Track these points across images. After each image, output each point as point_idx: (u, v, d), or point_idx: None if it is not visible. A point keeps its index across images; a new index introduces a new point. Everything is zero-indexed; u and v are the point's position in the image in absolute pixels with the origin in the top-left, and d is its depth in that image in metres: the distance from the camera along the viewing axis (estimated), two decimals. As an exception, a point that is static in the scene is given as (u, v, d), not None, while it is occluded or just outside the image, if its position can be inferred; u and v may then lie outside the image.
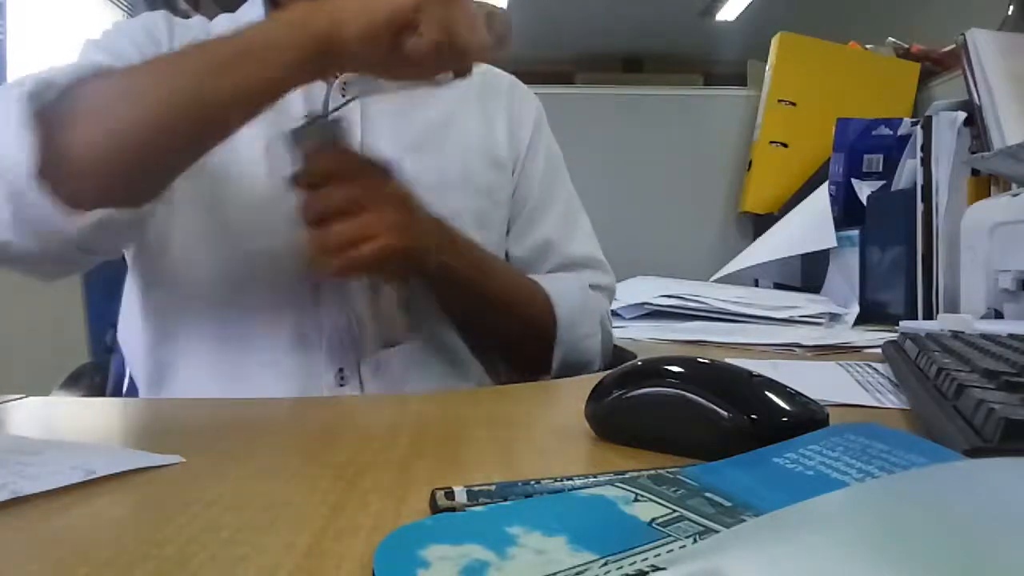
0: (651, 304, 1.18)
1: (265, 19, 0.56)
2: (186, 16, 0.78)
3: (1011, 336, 0.59)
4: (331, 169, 0.60)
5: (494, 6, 0.57)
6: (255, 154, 0.69)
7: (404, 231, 0.60)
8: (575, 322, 0.73)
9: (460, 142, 0.77)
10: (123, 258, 0.75)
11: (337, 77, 0.72)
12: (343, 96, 0.72)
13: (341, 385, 0.67)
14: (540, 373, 0.73)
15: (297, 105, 0.71)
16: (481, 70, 0.84)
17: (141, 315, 0.71)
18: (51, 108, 0.54)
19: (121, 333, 0.76)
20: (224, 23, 0.76)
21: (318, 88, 0.72)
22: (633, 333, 1.00)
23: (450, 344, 0.73)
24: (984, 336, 0.60)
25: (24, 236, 0.54)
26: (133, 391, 0.75)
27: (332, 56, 0.53)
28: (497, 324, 0.70)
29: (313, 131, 0.61)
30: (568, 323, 0.73)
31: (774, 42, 1.68)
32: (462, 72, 0.56)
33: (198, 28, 0.75)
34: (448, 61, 0.54)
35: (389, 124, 0.74)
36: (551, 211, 0.82)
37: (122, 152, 0.54)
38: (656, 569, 0.20)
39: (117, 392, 0.88)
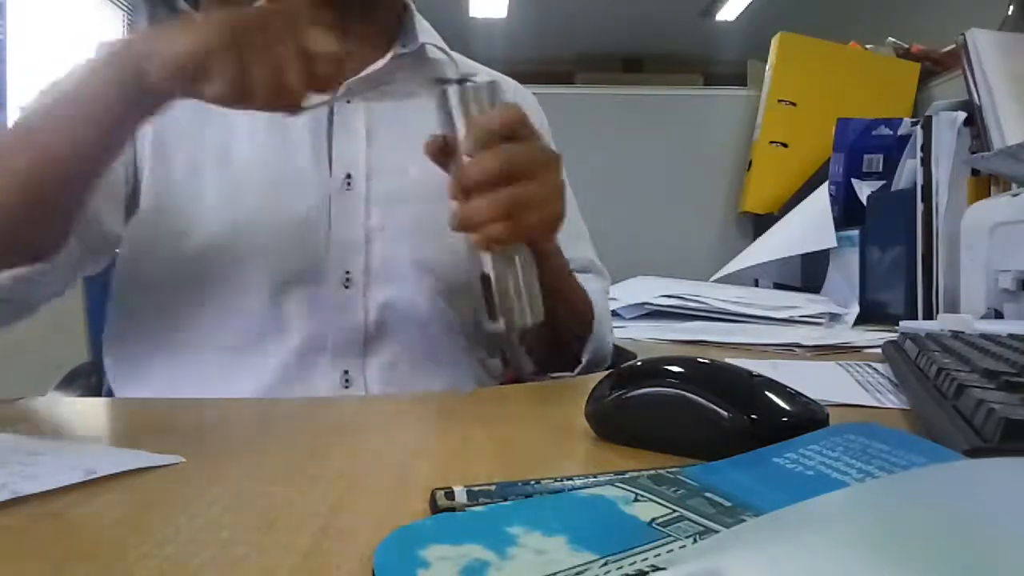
0: (651, 304, 1.18)
1: (86, 64, 0.54)
2: (186, 16, 0.78)
3: (1011, 336, 0.59)
4: (506, 128, 0.54)
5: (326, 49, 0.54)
6: (255, 152, 0.69)
7: (562, 200, 0.57)
8: (604, 319, 0.74)
9: None
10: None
11: (341, 83, 0.71)
12: (348, 102, 0.72)
13: (346, 387, 0.67)
14: (568, 368, 0.73)
15: (300, 116, 0.71)
16: (485, 76, 0.84)
17: (142, 312, 0.70)
18: None
19: (110, 340, 0.75)
20: None
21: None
22: (633, 333, 1.01)
23: (453, 347, 0.73)
24: (984, 336, 0.60)
25: None
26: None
27: (152, 95, 0.53)
28: (559, 312, 0.68)
29: (475, 92, 0.55)
30: (600, 318, 0.73)
31: (774, 42, 1.68)
32: (290, 109, 0.53)
33: None
34: (267, 97, 0.51)
35: (394, 131, 0.74)
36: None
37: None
38: (656, 569, 0.20)
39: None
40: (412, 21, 0.78)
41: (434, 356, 0.71)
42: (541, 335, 0.71)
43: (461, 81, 0.60)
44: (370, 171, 0.71)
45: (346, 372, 0.68)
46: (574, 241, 0.81)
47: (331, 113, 0.71)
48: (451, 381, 0.72)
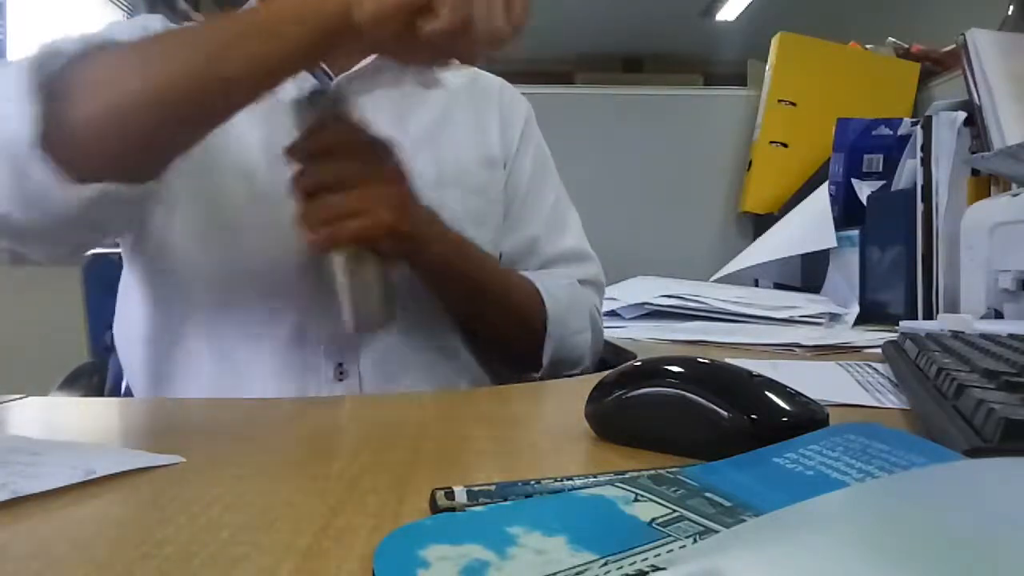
0: (651, 304, 1.18)
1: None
2: (186, 16, 0.78)
3: (1011, 336, 0.59)
4: (332, 141, 0.59)
5: None
6: (253, 151, 0.69)
7: (400, 212, 0.60)
8: (565, 318, 0.74)
9: (455, 142, 0.77)
10: (119, 257, 0.75)
11: (333, 79, 0.72)
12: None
13: (340, 380, 0.67)
14: (531, 370, 0.74)
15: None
16: (471, 74, 0.85)
17: (140, 309, 0.71)
18: (56, 79, 0.53)
19: (117, 330, 0.76)
20: None
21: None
22: (633, 333, 1.01)
23: (448, 340, 0.73)
24: (984, 336, 0.60)
25: (24, 208, 0.54)
26: (132, 391, 0.75)
27: (345, 35, 0.52)
28: (489, 319, 0.71)
29: (316, 102, 0.61)
30: (558, 319, 0.73)
31: (774, 42, 1.68)
32: (469, 59, 0.56)
33: None
34: (460, 47, 0.53)
35: (385, 124, 0.74)
36: (539, 207, 0.82)
37: (125, 126, 0.53)
38: (656, 569, 0.20)
39: (116, 392, 0.88)
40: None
41: (427, 347, 0.72)
42: (478, 343, 0.73)
43: (314, 93, 0.62)
44: None
45: (340, 365, 0.68)
46: (556, 234, 0.81)
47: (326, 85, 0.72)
48: (446, 374, 0.72)
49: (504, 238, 0.81)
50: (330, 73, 0.72)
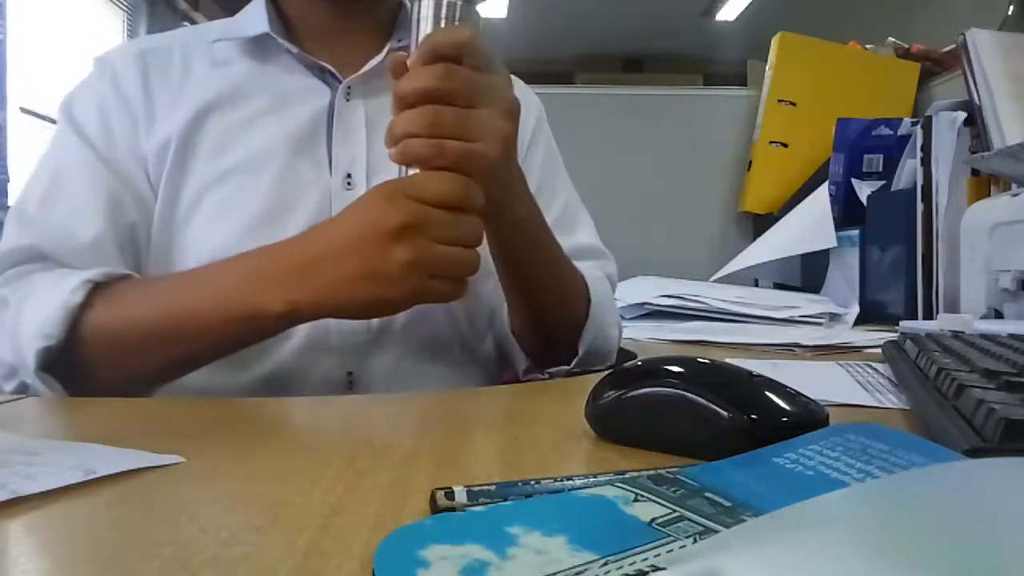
0: (651, 304, 1.18)
1: (241, 273, 0.56)
2: (185, 16, 0.78)
3: (1011, 336, 0.59)
4: (464, 44, 0.52)
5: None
6: (275, 161, 0.69)
7: (508, 151, 0.55)
8: (603, 309, 0.72)
9: None
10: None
11: (341, 82, 0.72)
12: (348, 100, 0.72)
13: (350, 389, 0.67)
14: (565, 360, 0.72)
15: (299, 107, 0.71)
16: None
17: None
18: (65, 360, 0.58)
19: None
20: (219, 28, 0.75)
21: (320, 92, 0.72)
22: (633, 333, 1.00)
23: (456, 348, 0.73)
24: (984, 336, 0.60)
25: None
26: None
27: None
28: (541, 295, 0.68)
29: (436, 7, 0.53)
30: (599, 309, 0.71)
31: (774, 42, 1.68)
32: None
33: (178, 48, 0.73)
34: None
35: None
36: (552, 204, 0.80)
37: (146, 384, 0.61)
38: (656, 569, 0.20)
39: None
40: (407, 15, 0.78)
41: (437, 357, 0.71)
42: (527, 320, 0.71)
43: None
44: (370, 171, 0.71)
45: (350, 374, 0.67)
46: (569, 231, 0.80)
47: (331, 112, 0.71)
48: (456, 384, 0.72)
49: None
50: (338, 75, 0.72)
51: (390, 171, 0.72)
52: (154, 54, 0.73)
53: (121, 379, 0.59)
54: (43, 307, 0.58)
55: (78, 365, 0.58)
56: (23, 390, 0.59)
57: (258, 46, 0.72)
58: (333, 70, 0.72)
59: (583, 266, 0.76)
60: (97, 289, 0.59)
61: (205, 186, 0.68)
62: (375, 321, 0.68)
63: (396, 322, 0.69)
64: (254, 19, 0.73)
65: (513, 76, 0.87)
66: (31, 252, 0.64)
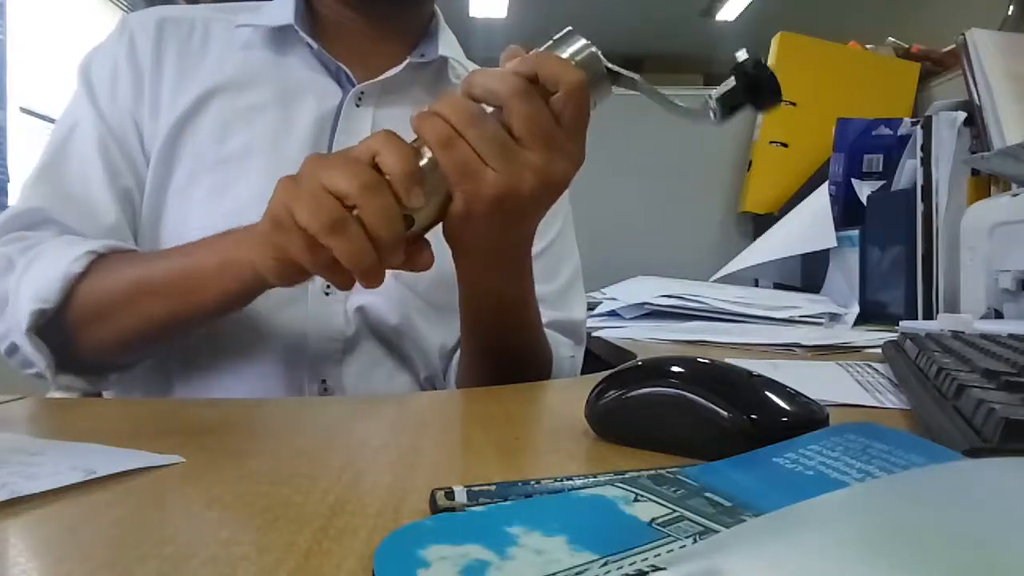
0: (651, 304, 1.18)
1: (232, 236, 0.55)
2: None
3: (1011, 336, 0.59)
4: (563, 84, 0.46)
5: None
6: (272, 154, 0.68)
7: (517, 207, 0.48)
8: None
9: None
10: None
11: (354, 85, 0.71)
12: (358, 105, 0.71)
13: (324, 395, 0.67)
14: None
15: (306, 103, 0.70)
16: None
17: None
18: (57, 321, 0.61)
19: None
20: (246, 12, 0.74)
21: (331, 92, 0.71)
22: (633, 333, 1.01)
23: (432, 356, 0.72)
24: (984, 336, 0.60)
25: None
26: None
27: (264, 284, 0.54)
28: (498, 358, 0.64)
29: (579, 42, 0.48)
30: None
31: (774, 42, 1.68)
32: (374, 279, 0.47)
33: (200, 23, 0.73)
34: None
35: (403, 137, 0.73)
36: (559, 274, 0.79)
37: (128, 349, 0.63)
38: (656, 569, 0.20)
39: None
40: (437, 30, 0.77)
41: (411, 365, 0.71)
42: (472, 375, 0.67)
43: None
44: None
45: (324, 381, 0.67)
46: (566, 305, 0.78)
47: (337, 115, 0.71)
48: (427, 391, 0.72)
49: None
50: (353, 79, 0.71)
51: None
52: (175, 24, 0.73)
53: (102, 339, 0.61)
54: (45, 272, 0.60)
55: (65, 328, 0.60)
56: (12, 352, 0.62)
57: (280, 36, 0.72)
58: (348, 72, 0.71)
59: (563, 342, 0.75)
60: (99, 260, 0.61)
61: (202, 167, 0.68)
62: (349, 330, 0.67)
63: (369, 328, 0.68)
64: (281, 9, 0.73)
65: None
66: (39, 215, 0.66)
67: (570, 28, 0.50)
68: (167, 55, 0.71)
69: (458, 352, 0.70)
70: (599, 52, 0.49)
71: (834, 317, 1.14)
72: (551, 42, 0.50)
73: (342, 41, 0.73)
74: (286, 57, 0.72)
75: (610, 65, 0.49)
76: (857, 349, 0.81)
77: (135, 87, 0.70)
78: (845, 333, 0.97)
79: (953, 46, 1.42)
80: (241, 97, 0.70)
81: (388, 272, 0.72)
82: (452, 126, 0.45)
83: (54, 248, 0.62)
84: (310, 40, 0.71)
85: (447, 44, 0.76)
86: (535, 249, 0.69)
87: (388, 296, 0.69)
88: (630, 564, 0.21)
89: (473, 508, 0.26)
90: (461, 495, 0.27)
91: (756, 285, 1.51)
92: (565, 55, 0.48)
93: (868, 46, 1.70)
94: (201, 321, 0.60)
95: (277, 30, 0.72)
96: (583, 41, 0.49)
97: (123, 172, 0.69)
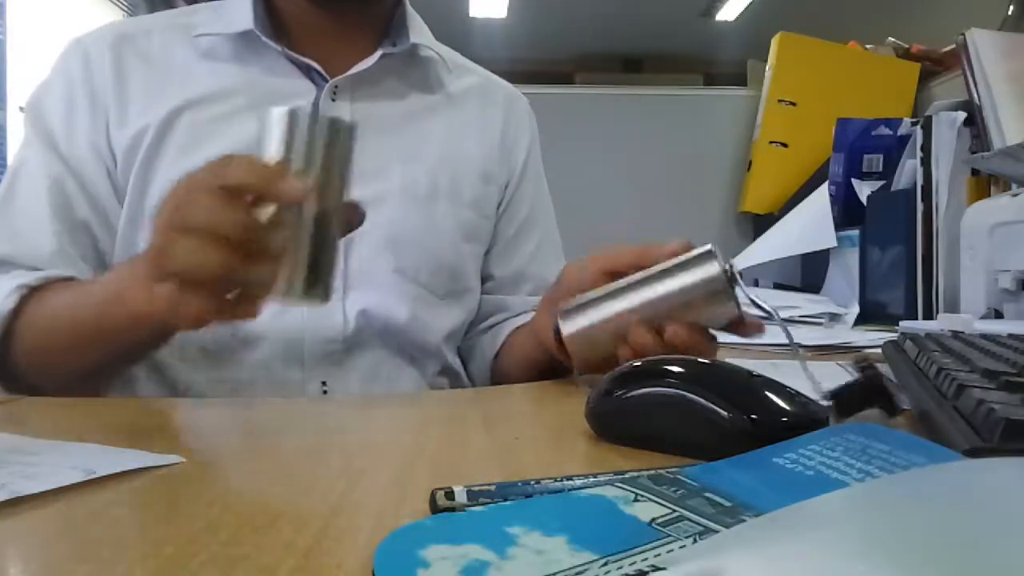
0: (651, 304, 1.18)
1: (120, 276, 0.53)
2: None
3: (1011, 336, 0.59)
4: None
5: None
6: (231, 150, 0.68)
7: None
8: None
9: (452, 155, 0.75)
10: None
11: (327, 81, 0.70)
12: (333, 100, 0.71)
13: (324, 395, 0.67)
14: None
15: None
16: (481, 79, 0.83)
17: None
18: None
19: None
20: (203, 19, 0.72)
21: (305, 91, 0.70)
22: (633, 333, 1.00)
23: (432, 359, 0.72)
24: (984, 336, 0.60)
25: None
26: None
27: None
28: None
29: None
30: None
31: (774, 42, 1.68)
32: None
33: (158, 33, 0.72)
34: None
35: (382, 133, 0.72)
36: (534, 236, 0.82)
37: (83, 382, 0.60)
38: (656, 569, 0.20)
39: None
40: (404, 18, 0.76)
41: (408, 367, 0.71)
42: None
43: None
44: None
45: (323, 383, 0.66)
46: (544, 264, 0.81)
47: (315, 110, 0.70)
48: (440, 382, 0.72)
49: (500, 262, 0.80)
50: (325, 75, 0.71)
51: (372, 175, 0.70)
52: (132, 40, 0.71)
53: (54, 381, 0.60)
54: None
55: (13, 367, 0.60)
56: None
57: (243, 42, 0.70)
58: (320, 69, 0.70)
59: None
60: (33, 294, 0.61)
61: (174, 182, 0.67)
62: (349, 331, 0.67)
63: (372, 329, 0.68)
64: (239, 13, 0.70)
65: (509, 86, 0.86)
66: None
67: (711, 248, 0.55)
68: (130, 75, 0.69)
69: (478, 330, 0.73)
70: (727, 273, 0.54)
71: (834, 317, 1.14)
72: (688, 257, 0.55)
73: (308, 38, 0.72)
74: (253, 62, 0.70)
75: (741, 290, 0.56)
76: (857, 349, 0.81)
77: (96, 114, 0.68)
78: (845, 333, 0.97)
79: (953, 46, 1.42)
80: (212, 109, 0.68)
81: (388, 268, 0.72)
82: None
83: None
84: (273, 44, 0.69)
85: (417, 31, 0.75)
86: (513, 228, 0.80)
87: (390, 292, 0.69)
88: (630, 564, 0.21)
89: (473, 508, 0.26)
90: (461, 495, 0.27)
91: (756, 285, 1.51)
92: (695, 277, 0.54)
93: (868, 46, 1.70)
94: (134, 360, 0.61)
95: (239, 36, 0.70)
96: (717, 266, 0.54)
97: (78, 204, 0.67)
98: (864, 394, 0.42)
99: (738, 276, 0.54)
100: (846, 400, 0.42)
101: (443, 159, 0.74)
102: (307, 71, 0.71)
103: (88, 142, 0.68)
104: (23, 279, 0.61)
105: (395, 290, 0.69)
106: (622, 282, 0.56)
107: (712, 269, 0.54)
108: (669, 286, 0.54)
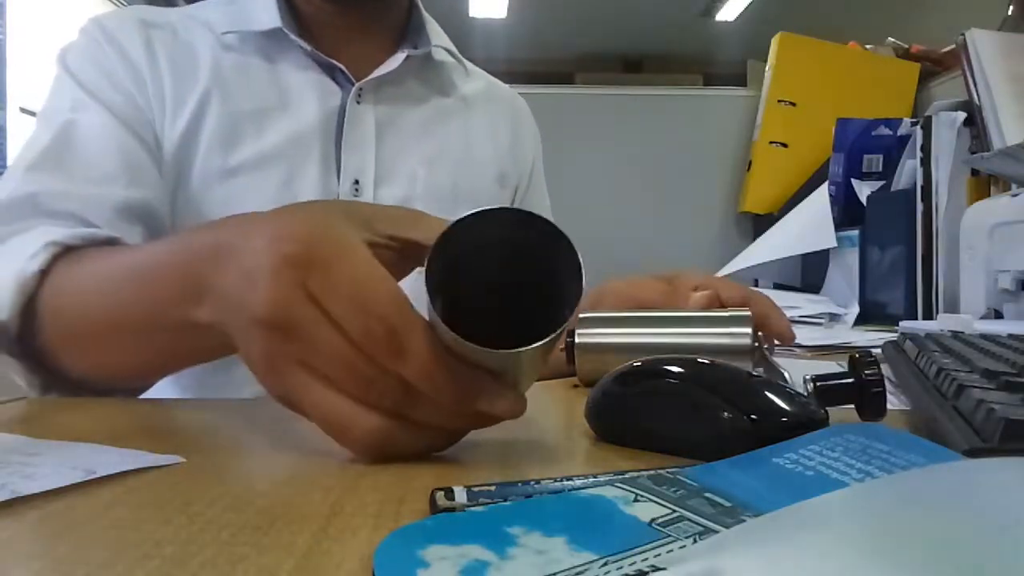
0: (651, 304, 1.18)
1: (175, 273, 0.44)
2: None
3: (1011, 336, 0.59)
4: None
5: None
6: (283, 162, 0.68)
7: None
8: None
9: (469, 158, 0.77)
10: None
11: (353, 83, 0.71)
12: (358, 103, 0.71)
13: None
14: None
15: (310, 107, 0.70)
16: (486, 83, 0.84)
17: None
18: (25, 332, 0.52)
19: None
20: (224, 17, 0.72)
21: (331, 92, 0.71)
22: (633, 333, 1.00)
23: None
24: (984, 336, 0.60)
25: None
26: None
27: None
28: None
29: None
30: None
31: (774, 42, 1.68)
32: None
33: (180, 28, 0.72)
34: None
35: (403, 135, 0.73)
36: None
37: (118, 380, 0.54)
38: (656, 569, 0.20)
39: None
40: (421, 21, 0.77)
41: None
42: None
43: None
44: (378, 177, 0.70)
45: None
46: None
47: (342, 115, 0.70)
48: None
49: None
50: (350, 76, 0.71)
51: (398, 179, 0.71)
52: (157, 28, 0.71)
53: (88, 371, 0.52)
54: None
55: (38, 342, 0.52)
56: None
57: (268, 40, 0.71)
58: (345, 70, 0.71)
59: None
60: (65, 255, 0.52)
61: (213, 177, 0.67)
62: None
63: None
64: (263, 11, 0.70)
65: (512, 90, 0.87)
66: (29, 204, 0.59)
67: (749, 313, 0.56)
68: (160, 59, 0.69)
69: None
70: (755, 341, 0.54)
71: (834, 317, 1.14)
72: (727, 314, 0.57)
73: (329, 38, 0.72)
74: (279, 60, 0.71)
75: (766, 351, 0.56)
76: (857, 349, 0.81)
77: (137, 85, 0.67)
78: (845, 333, 0.97)
79: (953, 46, 1.42)
80: (242, 104, 0.69)
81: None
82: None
83: (21, 242, 0.54)
84: (302, 43, 0.70)
85: (434, 33, 0.77)
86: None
87: (412, 294, 0.69)
88: (630, 564, 0.21)
89: (473, 508, 0.26)
90: (461, 495, 0.27)
91: (756, 285, 1.51)
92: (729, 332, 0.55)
93: (868, 46, 1.70)
94: (185, 364, 0.52)
95: (264, 34, 0.70)
96: (749, 331, 0.54)
97: (146, 173, 0.65)
98: (849, 389, 0.42)
99: (765, 350, 0.55)
100: (829, 389, 0.42)
101: (461, 162, 0.76)
102: (330, 71, 0.71)
103: (136, 105, 0.67)
104: (54, 235, 0.52)
105: (419, 293, 0.69)
106: (653, 312, 0.56)
107: (744, 339, 0.54)
108: (697, 334, 0.55)
